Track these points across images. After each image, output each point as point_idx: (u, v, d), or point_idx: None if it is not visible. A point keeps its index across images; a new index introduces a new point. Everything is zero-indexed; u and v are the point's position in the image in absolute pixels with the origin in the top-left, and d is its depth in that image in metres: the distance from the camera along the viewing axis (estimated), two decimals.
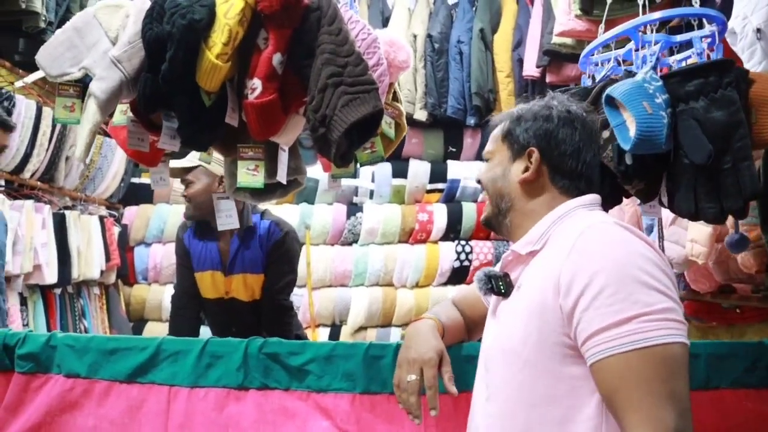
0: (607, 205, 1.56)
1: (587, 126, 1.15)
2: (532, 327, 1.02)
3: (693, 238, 2.44)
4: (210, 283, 2.48)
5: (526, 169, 1.13)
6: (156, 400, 1.50)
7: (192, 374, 1.49)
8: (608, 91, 1.48)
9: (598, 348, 0.93)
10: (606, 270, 0.95)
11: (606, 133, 1.52)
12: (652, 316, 0.92)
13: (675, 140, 1.49)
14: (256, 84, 1.54)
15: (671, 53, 1.81)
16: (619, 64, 1.89)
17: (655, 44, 1.64)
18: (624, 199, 1.81)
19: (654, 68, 1.57)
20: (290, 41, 1.57)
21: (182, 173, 2.42)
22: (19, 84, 2.42)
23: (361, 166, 1.83)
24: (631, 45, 1.79)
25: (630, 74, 1.61)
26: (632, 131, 1.43)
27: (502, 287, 1.13)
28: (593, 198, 1.14)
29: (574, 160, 1.12)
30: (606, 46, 1.93)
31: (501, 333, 1.12)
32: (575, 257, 0.98)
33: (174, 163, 2.35)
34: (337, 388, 1.45)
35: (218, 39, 1.52)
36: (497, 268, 1.19)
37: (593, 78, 1.93)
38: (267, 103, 1.54)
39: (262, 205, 2.55)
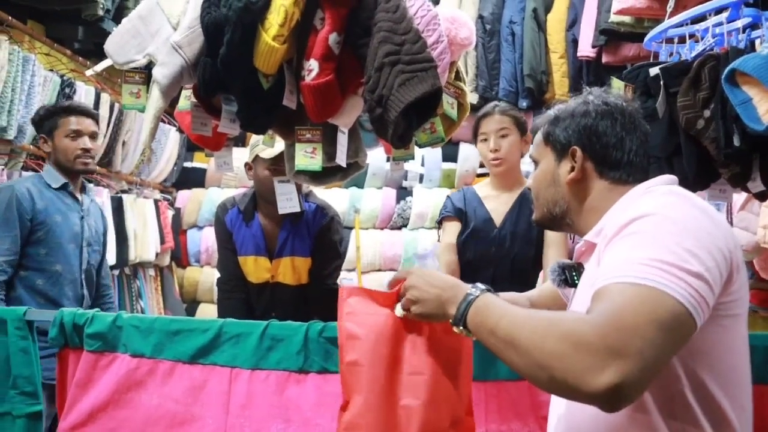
0: (694, 188, 1.48)
1: (628, 115, 1.11)
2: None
3: (766, 224, 2.32)
4: (253, 268, 2.46)
5: (572, 169, 1.11)
6: (218, 381, 1.52)
7: (253, 356, 1.51)
8: (735, 65, 1.38)
9: (602, 278, 0.87)
10: (649, 216, 0.90)
11: (707, 113, 1.44)
12: (676, 271, 0.83)
13: None
14: (312, 65, 1.53)
15: (752, 29, 1.70)
16: (696, 41, 1.80)
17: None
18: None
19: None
20: (347, 20, 1.54)
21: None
22: (89, 73, 2.49)
23: (420, 147, 1.80)
24: (708, 22, 1.70)
25: (739, 51, 1.50)
26: (763, 109, 1.33)
27: (575, 278, 1.09)
28: (669, 178, 1.08)
29: (619, 150, 1.09)
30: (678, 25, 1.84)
31: None
32: (619, 213, 0.96)
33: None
34: None
35: (274, 20, 1.51)
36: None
37: (670, 56, 1.83)
38: (323, 84, 1.53)
39: (305, 187, 2.50)
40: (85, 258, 2.46)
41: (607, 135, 1.09)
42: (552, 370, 0.81)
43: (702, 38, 1.72)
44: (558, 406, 1.09)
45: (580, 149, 1.10)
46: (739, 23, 1.55)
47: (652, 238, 0.87)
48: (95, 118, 2.55)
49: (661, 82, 1.62)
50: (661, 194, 0.97)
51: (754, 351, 1.26)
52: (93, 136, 2.49)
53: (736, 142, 1.43)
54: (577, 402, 0.83)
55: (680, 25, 1.77)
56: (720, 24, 1.60)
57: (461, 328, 0.98)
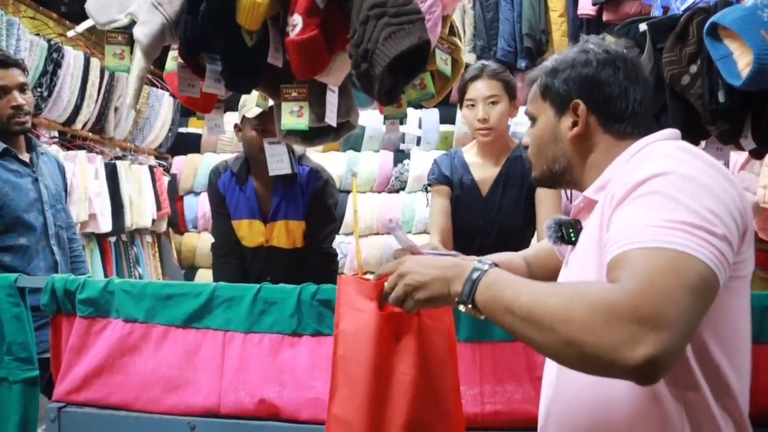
0: None
1: (630, 63, 1.04)
2: (591, 264, 0.94)
3: (766, 183, 2.28)
4: (247, 232, 2.43)
5: (575, 124, 1.04)
6: (211, 345, 1.52)
7: (246, 320, 1.50)
8: (715, 18, 1.32)
9: (620, 243, 0.82)
10: (665, 175, 0.84)
11: (694, 68, 1.38)
12: (702, 233, 0.79)
13: None
14: (296, 20, 1.48)
15: None
16: None
17: None
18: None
19: None
20: None
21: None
22: (70, 34, 2.36)
23: (411, 104, 1.74)
24: None
25: (728, 3, 1.44)
26: (743, 64, 1.28)
27: (572, 235, 1.04)
28: (672, 132, 1.02)
29: (623, 101, 1.02)
30: None
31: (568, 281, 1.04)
32: (627, 171, 0.90)
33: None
34: None
35: None
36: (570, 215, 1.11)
37: (666, 10, 1.77)
38: (308, 39, 1.47)
39: (298, 150, 2.46)
40: (51, 222, 2.27)
41: (610, 85, 1.02)
42: (582, 345, 0.75)
43: None
44: (550, 371, 1.07)
45: (582, 102, 1.03)
46: None
47: (672, 199, 0.82)
48: (20, 66, 2.22)
49: (648, 38, 1.57)
50: (670, 150, 0.90)
51: (751, 311, 1.26)
52: (22, 88, 2.19)
53: (721, 98, 1.37)
54: (611, 378, 0.77)
55: None
56: None
57: (469, 306, 0.90)
